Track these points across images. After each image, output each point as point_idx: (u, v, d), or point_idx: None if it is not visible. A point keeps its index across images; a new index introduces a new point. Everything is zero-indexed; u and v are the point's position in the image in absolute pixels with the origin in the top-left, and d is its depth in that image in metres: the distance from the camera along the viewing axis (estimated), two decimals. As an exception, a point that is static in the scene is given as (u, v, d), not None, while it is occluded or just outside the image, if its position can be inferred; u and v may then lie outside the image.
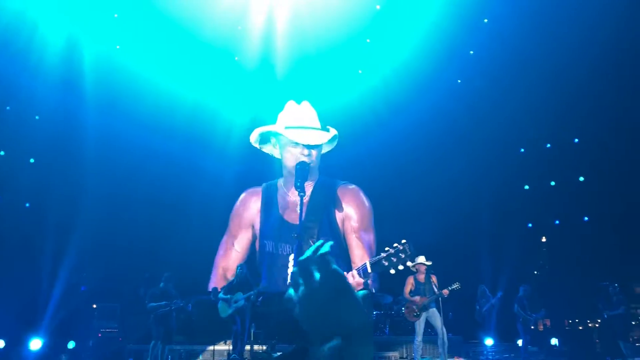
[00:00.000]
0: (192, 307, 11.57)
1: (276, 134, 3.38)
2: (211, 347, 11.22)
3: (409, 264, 2.83)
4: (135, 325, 12.47)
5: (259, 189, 3.43)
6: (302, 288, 0.94)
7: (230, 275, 3.69)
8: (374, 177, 13.80)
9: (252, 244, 3.44)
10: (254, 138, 3.48)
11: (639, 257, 14.09)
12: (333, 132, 3.32)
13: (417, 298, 9.81)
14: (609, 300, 12.33)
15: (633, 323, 14.80)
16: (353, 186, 3.51)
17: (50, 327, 12.12)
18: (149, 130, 13.59)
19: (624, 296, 12.40)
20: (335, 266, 0.94)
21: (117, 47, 13.82)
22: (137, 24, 13.26)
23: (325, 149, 3.49)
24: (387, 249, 2.85)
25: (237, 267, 10.99)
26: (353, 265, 3.38)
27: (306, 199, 3.31)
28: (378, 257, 2.85)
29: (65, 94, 13.28)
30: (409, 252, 2.78)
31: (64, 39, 12.69)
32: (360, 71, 15.47)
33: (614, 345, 12.94)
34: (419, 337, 9.80)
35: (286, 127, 3.30)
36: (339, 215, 3.39)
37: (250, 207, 3.36)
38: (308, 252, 0.95)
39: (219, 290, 10.99)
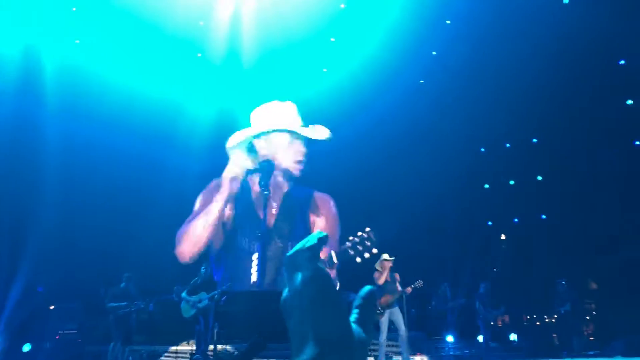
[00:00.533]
0: (154, 307, 11.40)
1: (261, 134, 3.27)
2: (174, 348, 11.06)
3: (373, 251, 2.82)
4: (94, 326, 12.21)
5: (227, 185, 3.28)
6: (286, 290, 0.95)
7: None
8: (337, 174, 13.88)
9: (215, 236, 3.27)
10: (234, 142, 3.27)
11: (593, 253, 14.55)
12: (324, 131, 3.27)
13: (385, 297, 9.87)
14: (559, 297, 12.77)
15: (587, 318, 15.30)
16: (327, 195, 3.52)
17: (6, 330, 11.75)
18: (109, 128, 13.31)
19: (574, 292, 12.84)
20: (320, 265, 0.96)
21: (77, 41, 13.49)
22: (95, 18, 12.98)
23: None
24: (350, 238, 2.86)
25: (202, 267, 10.91)
26: None
27: (280, 200, 3.29)
28: (343, 246, 2.85)
29: (20, 91, 12.89)
30: (374, 240, 2.79)
31: (19, 34, 12.31)
32: (325, 70, 15.50)
33: (569, 340, 13.36)
34: (383, 335, 9.88)
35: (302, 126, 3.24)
36: (312, 220, 3.38)
37: (215, 193, 3.21)
38: (298, 246, 0.98)
39: (181, 290, 10.88)
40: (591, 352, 12.24)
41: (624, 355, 11.06)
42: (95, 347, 11.75)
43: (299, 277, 0.95)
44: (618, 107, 14.58)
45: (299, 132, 3.18)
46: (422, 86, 16.31)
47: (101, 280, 12.47)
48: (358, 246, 2.78)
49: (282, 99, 3.35)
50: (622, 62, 14.71)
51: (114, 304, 10.39)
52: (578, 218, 15.05)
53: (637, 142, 15.23)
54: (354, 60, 14.54)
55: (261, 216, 3.11)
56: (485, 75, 15.17)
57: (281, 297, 0.98)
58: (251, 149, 3.31)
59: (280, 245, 3.21)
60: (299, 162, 3.19)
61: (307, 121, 3.33)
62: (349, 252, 2.81)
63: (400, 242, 12.83)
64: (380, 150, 15.40)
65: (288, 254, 0.98)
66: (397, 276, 10.04)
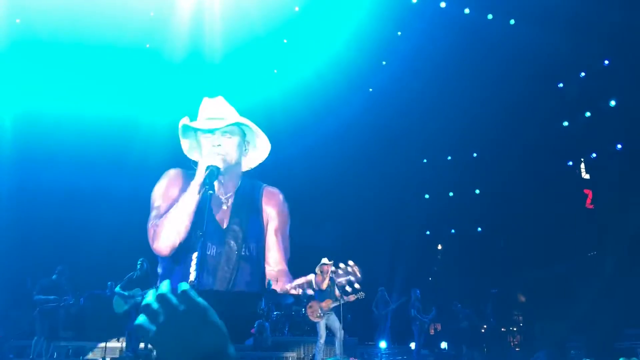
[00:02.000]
0: (84, 302, 10.99)
1: (189, 128, 3.22)
2: (102, 344, 10.69)
3: (355, 286, 2.87)
4: (17, 319, 11.64)
5: (184, 172, 3.20)
6: (162, 316, 0.99)
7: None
8: (283, 178, 13.81)
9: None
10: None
11: (523, 267, 15.13)
12: (240, 120, 3.18)
13: (326, 301, 9.84)
14: (456, 317, 13.61)
15: (514, 329, 15.88)
16: (276, 189, 3.51)
17: None
18: (59, 123, 12.90)
19: (469, 311, 13.66)
20: (199, 299, 1.02)
21: (17, 20, 12.96)
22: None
23: (253, 160, 3.41)
24: (342, 266, 2.91)
25: (138, 261, 10.56)
26: (267, 266, 3.37)
27: (231, 200, 3.24)
28: (337, 273, 2.90)
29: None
30: (358, 277, 2.85)
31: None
32: (275, 71, 15.46)
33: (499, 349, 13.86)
34: (321, 340, 9.89)
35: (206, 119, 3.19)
36: (264, 216, 3.37)
37: (171, 186, 3.13)
38: (165, 290, 1.02)
39: (114, 284, 10.49)
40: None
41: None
42: (18, 342, 11.20)
43: (179, 307, 1.00)
44: (555, 128, 15.27)
45: (194, 126, 3.15)
46: (369, 95, 16.54)
47: (28, 271, 11.92)
48: (349, 276, 2.83)
49: (231, 100, 3.31)
50: (561, 85, 15.42)
51: (42, 297, 9.93)
52: (511, 232, 15.63)
53: (570, 163, 15.97)
54: (306, 63, 14.61)
55: (221, 219, 3.10)
56: (430, 89, 15.54)
57: (138, 323, 1.01)
58: (188, 143, 3.28)
59: (233, 244, 3.18)
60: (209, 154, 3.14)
61: (259, 125, 3.31)
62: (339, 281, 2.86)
63: (341, 247, 12.94)
64: (327, 157, 15.50)
65: (160, 292, 1.03)
66: (336, 280, 10.08)
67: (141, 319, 1.01)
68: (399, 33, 15.94)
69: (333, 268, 9.76)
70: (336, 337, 9.82)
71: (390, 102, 15.83)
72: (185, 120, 3.18)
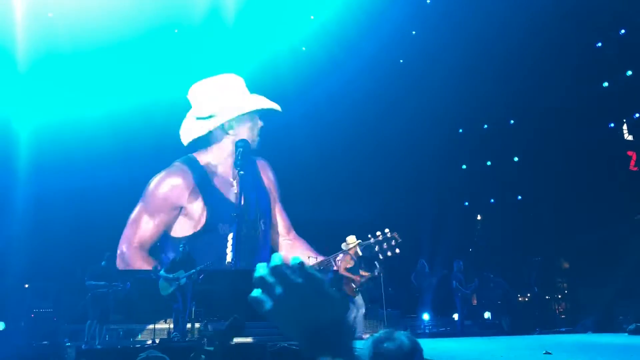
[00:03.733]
0: (131, 286, 11.35)
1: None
2: (151, 326, 11.05)
3: (396, 251, 2.88)
4: (70, 304, 12.12)
5: (184, 169, 3.25)
6: (279, 288, 1.00)
7: (145, 251, 3.46)
8: (315, 151, 13.93)
9: (172, 224, 3.27)
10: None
11: (566, 233, 14.83)
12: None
13: (357, 276, 9.93)
14: (492, 291, 13.61)
15: (559, 296, 15.67)
16: (264, 160, 3.53)
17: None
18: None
19: (500, 280, 13.60)
20: (314, 272, 1.03)
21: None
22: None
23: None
24: (378, 234, 2.91)
25: (180, 244, 10.87)
26: (280, 237, 3.42)
27: (237, 179, 3.29)
28: (369, 242, 2.90)
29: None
30: (399, 240, 2.85)
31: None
32: (304, 48, 15.45)
33: (544, 317, 13.72)
34: (363, 309, 10.09)
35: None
36: (267, 189, 3.41)
37: (176, 189, 3.20)
38: (277, 262, 1.04)
39: (159, 268, 10.86)
40: (563, 329, 12.56)
41: (594, 332, 11.37)
42: (71, 326, 11.68)
43: (295, 280, 1.02)
44: (594, 90, 14.77)
45: (261, 107, 3.16)
46: (401, 66, 16.33)
47: (78, 260, 12.37)
48: (384, 244, 2.84)
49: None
50: (599, 44, 14.87)
51: (93, 282, 10.32)
52: (552, 199, 15.29)
53: (612, 125, 15.47)
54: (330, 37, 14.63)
55: (233, 199, 3.13)
56: (463, 56, 15.23)
57: (253, 297, 1.04)
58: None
59: (254, 222, 3.24)
60: (257, 135, 3.17)
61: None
62: (374, 248, 2.87)
63: (379, 221, 12.92)
64: (361, 129, 15.45)
65: (274, 264, 1.05)
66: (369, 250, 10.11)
67: (256, 292, 1.02)
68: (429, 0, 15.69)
69: (358, 246, 9.70)
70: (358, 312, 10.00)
71: (424, 73, 15.59)
72: (260, 103, 3.19)
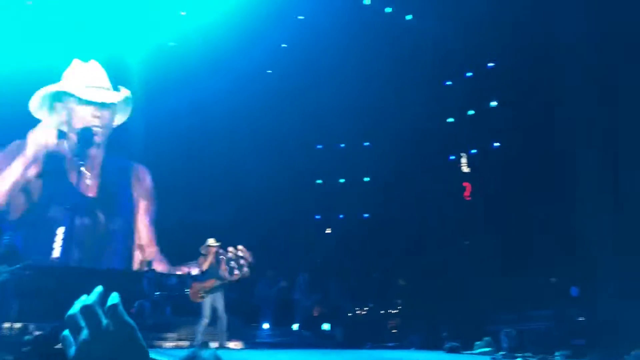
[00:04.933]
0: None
1: (64, 95, 2.96)
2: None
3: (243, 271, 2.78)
4: None
5: (33, 149, 2.91)
6: (85, 331, 0.90)
7: None
8: (176, 157, 13.46)
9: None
10: (36, 102, 2.97)
11: (405, 253, 15.85)
12: (125, 92, 3.01)
13: (209, 281, 9.70)
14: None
15: (392, 312, 16.62)
16: (146, 169, 3.31)
17: None
18: None
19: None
20: (127, 318, 0.91)
21: None
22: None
23: (119, 119, 3.20)
24: (230, 250, 2.80)
25: (5, 236, 9.81)
26: (139, 247, 3.21)
27: (97, 171, 3.03)
28: (224, 254, 2.78)
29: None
30: (249, 261, 2.76)
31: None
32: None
33: (376, 331, 14.42)
34: (204, 320, 9.77)
35: (86, 87, 2.94)
36: (134, 194, 3.18)
37: (23, 166, 2.86)
38: (93, 298, 0.91)
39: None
40: (391, 344, 13.27)
41: (418, 348, 12.16)
42: None
43: (103, 322, 0.90)
44: (441, 123, 16.11)
45: (73, 93, 2.95)
46: (268, 77, 16.46)
47: None
48: (231, 263, 2.73)
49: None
50: (449, 82, 16.24)
51: None
52: (395, 219, 16.30)
53: (452, 157, 16.91)
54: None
55: (86, 189, 2.86)
56: (325, 76, 15.77)
57: (63, 336, 0.92)
58: (54, 110, 3.02)
59: (101, 217, 2.99)
60: (104, 128, 2.96)
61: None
62: (227, 263, 2.75)
63: (231, 229, 12.81)
64: (222, 133, 15.26)
65: (86, 303, 0.92)
66: (223, 261, 9.96)
67: (65, 332, 0.91)
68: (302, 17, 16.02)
69: (220, 250, 9.64)
70: (219, 318, 9.75)
71: (286, 88, 15.88)
72: (67, 87, 2.92)
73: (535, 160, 14.01)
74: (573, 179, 13.16)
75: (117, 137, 12.39)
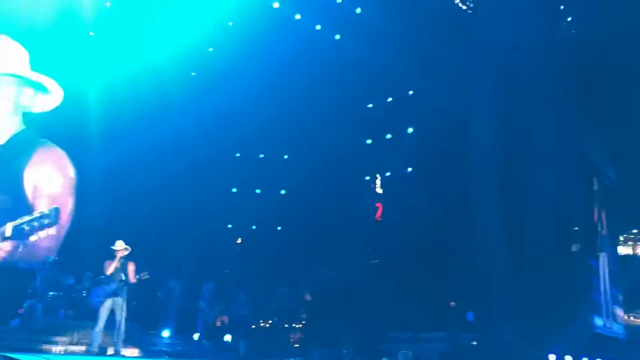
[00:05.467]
0: None
1: None
2: None
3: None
4: None
5: None
6: None
7: None
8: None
9: None
10: None
11: (314, 268, 15.98)
12: (38, 75, 2.82)
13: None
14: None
15: (297, 326, 16.69)
16: (59, 149, 3.09)
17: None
18: None
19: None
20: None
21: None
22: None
23: (40, 104, 3.00)
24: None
25: None
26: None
27: None
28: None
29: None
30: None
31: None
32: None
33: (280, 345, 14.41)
34: (100, 324, 9.32)
35: None
36: (34, 176, 2.95)
37: None
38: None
39: None
40: (293, 359, 13.30)
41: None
42: None
43: None
44: (359, 143, 16.52)
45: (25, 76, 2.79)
46: (194, 81, 16.18)
47: None
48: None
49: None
50: (370, 105, 16.71)
51: None
52: (307, 234, 16.44)
53: (367, 177, 17.36)
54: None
55: None
56: (248, 84, 15.71)
57: None
58: None
59: None
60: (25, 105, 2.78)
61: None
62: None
63: (139, 233, 12.41)
64: (137, 140, 14.79)
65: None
66: (130, 266, 9.56)
67: None
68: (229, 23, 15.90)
69: (125, 252, 9.18)
70: (116, 324, 9.35)
71: (210, 93, 15.68)
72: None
73: (445, 186, 14.60)
74: (479, 208, 13.88)
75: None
